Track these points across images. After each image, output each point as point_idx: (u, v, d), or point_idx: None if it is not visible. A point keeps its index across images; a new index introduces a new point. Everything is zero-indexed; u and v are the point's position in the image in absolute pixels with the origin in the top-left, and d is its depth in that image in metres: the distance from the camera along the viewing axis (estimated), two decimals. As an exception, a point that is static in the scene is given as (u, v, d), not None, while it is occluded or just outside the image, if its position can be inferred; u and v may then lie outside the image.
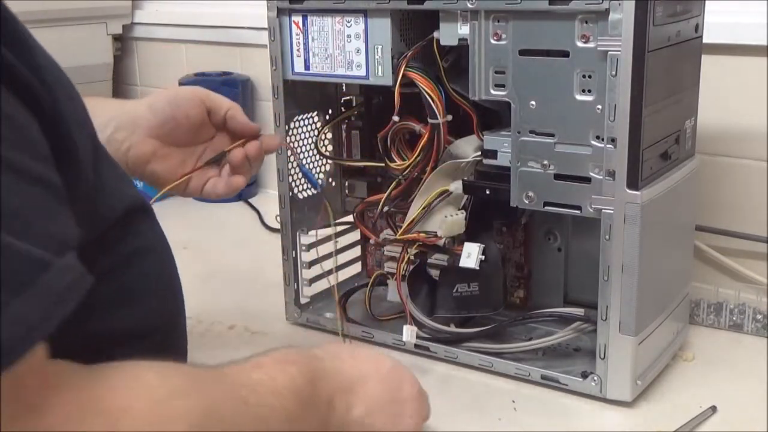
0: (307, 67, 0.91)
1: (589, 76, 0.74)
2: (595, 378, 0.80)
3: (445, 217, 0.86)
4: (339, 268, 1.05)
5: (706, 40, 0.85)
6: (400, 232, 0.89)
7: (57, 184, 0.44)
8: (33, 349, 0.38)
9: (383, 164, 0.92)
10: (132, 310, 0.58)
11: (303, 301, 1.00)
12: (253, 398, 0.51)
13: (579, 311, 0.84)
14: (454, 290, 0.88)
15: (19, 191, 0.40)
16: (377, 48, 0.85)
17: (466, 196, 0.86)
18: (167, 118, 0.83)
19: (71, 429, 0.38)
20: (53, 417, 0.38)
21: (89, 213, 0.49)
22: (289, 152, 0.94)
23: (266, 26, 0.91)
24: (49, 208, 0.42)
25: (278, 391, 0.53)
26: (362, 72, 0.87)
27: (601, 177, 0.76)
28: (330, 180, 1.02)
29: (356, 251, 1.08)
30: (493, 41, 0.78)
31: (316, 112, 0.99)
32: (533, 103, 0.78)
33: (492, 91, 0.80)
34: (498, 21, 0.78)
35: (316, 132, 0.99)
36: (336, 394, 0.61)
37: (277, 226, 1.02)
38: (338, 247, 1.06)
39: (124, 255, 0.57)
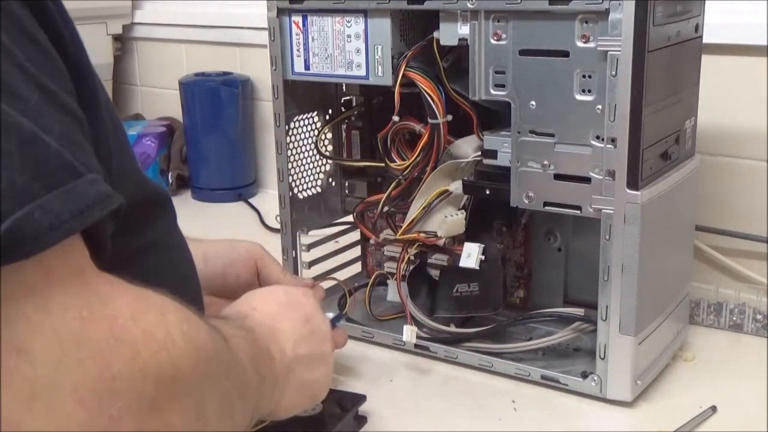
0: (307, 67, 0.91)
1: (589, 76, 0.74)
2: (595, 378, 0.80)
3: (445, 217, 0.86)
4: (339, 268, 1.05)
5: (706, 40, 0.85)
6: (400, 232, 0.89)
7: (84, 120, 0.45)
8: (61, 241, 0.39)
9: (383, 164, 0.92)
10: None
11: (303, 301, 0.99)
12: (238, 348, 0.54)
13: (579, 311, 0.84)
14: (454, 290, 0.88)
15: (52, 114, 0.41)
16: (377, 48, 0.85)
17: (466, 196, 0.86)
18: (217, 275, 0.80)
19: (136, 316, 0.42)
20: (120, 304, 0.42)
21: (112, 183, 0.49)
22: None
23: (266, 26, 0.91)
24: (77, 137, 0.43)
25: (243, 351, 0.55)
26: (362, 72, 0.87)
27: (601, 177, 0.76)
28: (330, 180, 1.02)
29: (356, 251, 1.08)
30: (493, 41, 0.78)
31: (316, 112, 0.99)
32: (533, 103, 0.78)
33: (492, 91, 0.80)
34: (498, 21, 0.78)
35: (316, 132, 0.99)
36: (268, 344, 0.62)
37: (277, 226, 1.02)
38: (338, 247, 1.06)
39: (142, 245, 0.57)
